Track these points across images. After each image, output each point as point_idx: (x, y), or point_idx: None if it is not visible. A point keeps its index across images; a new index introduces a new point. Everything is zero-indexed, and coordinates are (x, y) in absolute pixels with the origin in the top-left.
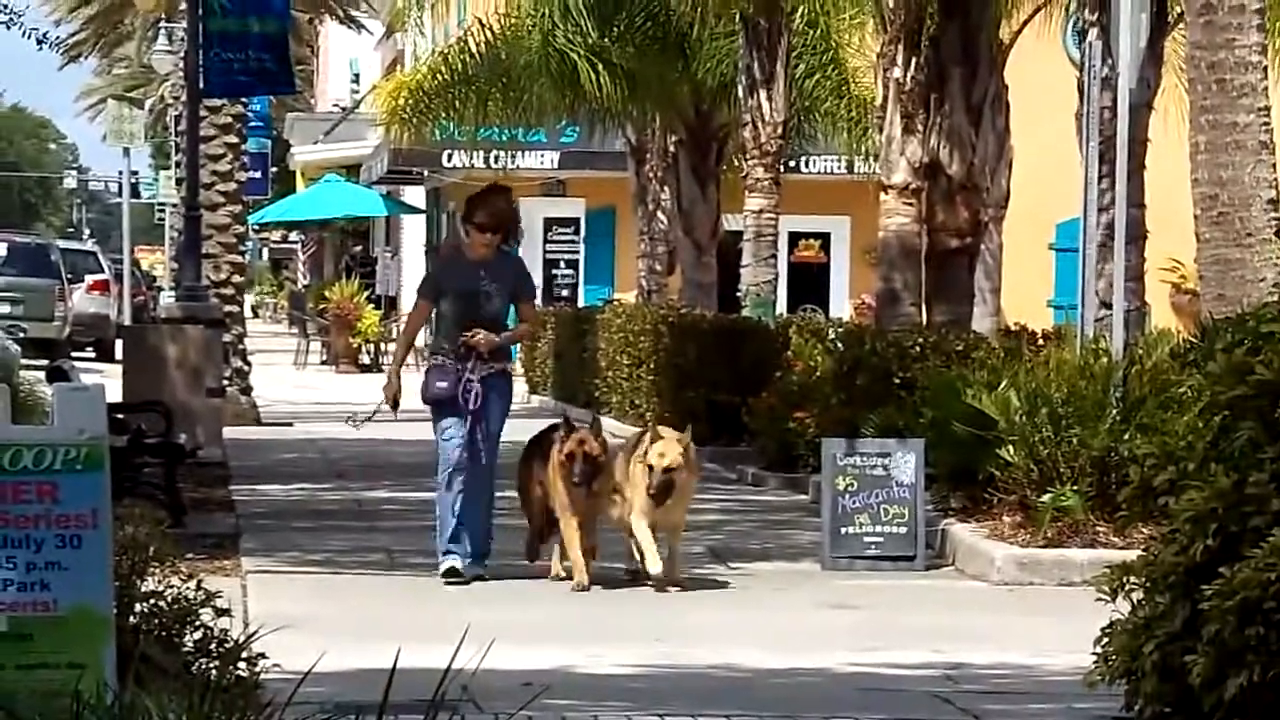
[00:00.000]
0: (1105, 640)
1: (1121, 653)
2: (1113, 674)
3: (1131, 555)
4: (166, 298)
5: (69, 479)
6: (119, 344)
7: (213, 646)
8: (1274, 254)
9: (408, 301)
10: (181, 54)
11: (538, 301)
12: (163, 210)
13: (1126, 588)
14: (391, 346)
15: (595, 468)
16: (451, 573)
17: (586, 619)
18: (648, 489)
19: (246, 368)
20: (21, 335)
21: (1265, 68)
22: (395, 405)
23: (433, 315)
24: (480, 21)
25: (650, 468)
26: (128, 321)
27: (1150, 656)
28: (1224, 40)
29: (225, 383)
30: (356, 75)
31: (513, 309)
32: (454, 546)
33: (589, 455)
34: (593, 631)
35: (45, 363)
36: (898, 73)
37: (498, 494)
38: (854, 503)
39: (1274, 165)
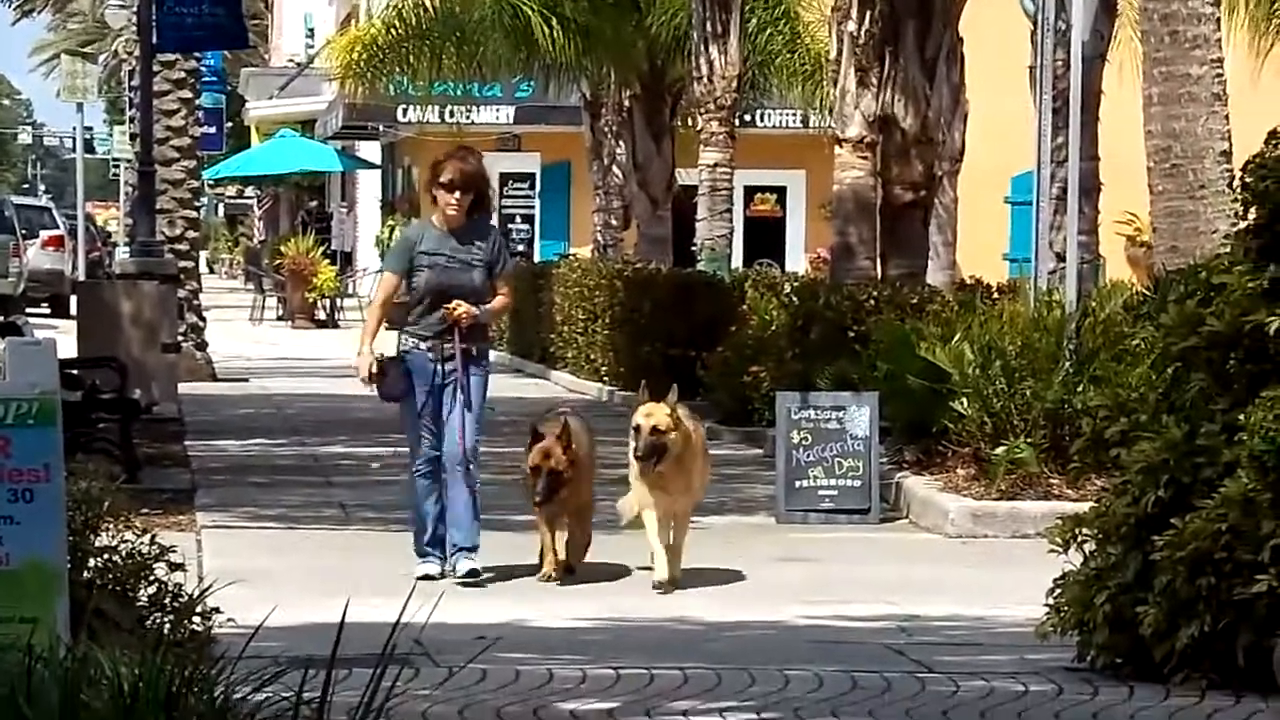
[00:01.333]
0: (1057, 592)
1: (1073, 604)
2: (1065, 625)
3: (1084, 507)
4: (121, 253)
5: (21, 433)
6: (74, 300)
7: (167, 601)
8: (1227, 206)
9: (364, 257)
10: (135, 9)
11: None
12: (117, 166)
13: (1079, 539)
14: (348, 302)
15: (558, 483)
16: (426, 579)
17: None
18: (634, 452)
19: (202, 323)
20: None
21: (1218, 19)
22: (374, 379)
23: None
24: None
25: (637, 428)
26: (82, 277)
27: (1102, 608)
28: None
29: (180, 338)
30: (311, 30)
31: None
32: (433, 550)
33: (553, 471)
34: (545, 586)
35: None
36: (851, 26)
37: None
38: (808, 456)
39: (1227, 117)
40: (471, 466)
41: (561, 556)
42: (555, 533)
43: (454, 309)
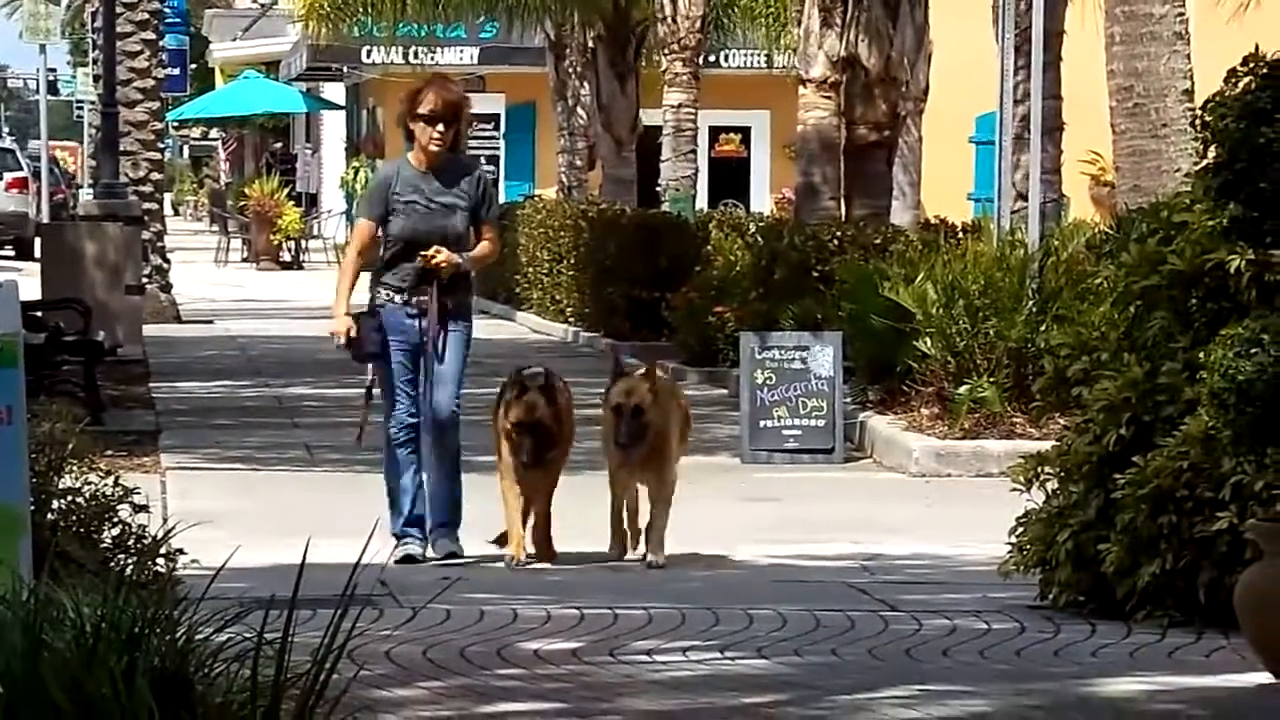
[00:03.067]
0: (1020, 530)
1: (1036, 542)
2: (1027, 563)
3: (1046, 446)
4: (85, 195)
5: None
6: (37, 242)
7: (130, 542)
8: (1189, 145)
9: (329, 199)
10: None
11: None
12: (81, 107)
13: (1041, 478)
14: (313, 244)
15: (548, 440)
16: (408, 560)
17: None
18: (615, 438)
19: (166, 265)
20: None
21: None
22: (351, 343)
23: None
24: None
25: (617, 408)
26: (46, 219)
27: (1064, 545)
28: None
29: (145, 280)
30: None
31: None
32: (412, 530)
33: (541, 425)
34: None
35: None
36: None
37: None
38: (772, 396)
39: (1189, 56)
40: (450, 432)
41: (519, 538)
42: (529, 507)
43: (432, 256)
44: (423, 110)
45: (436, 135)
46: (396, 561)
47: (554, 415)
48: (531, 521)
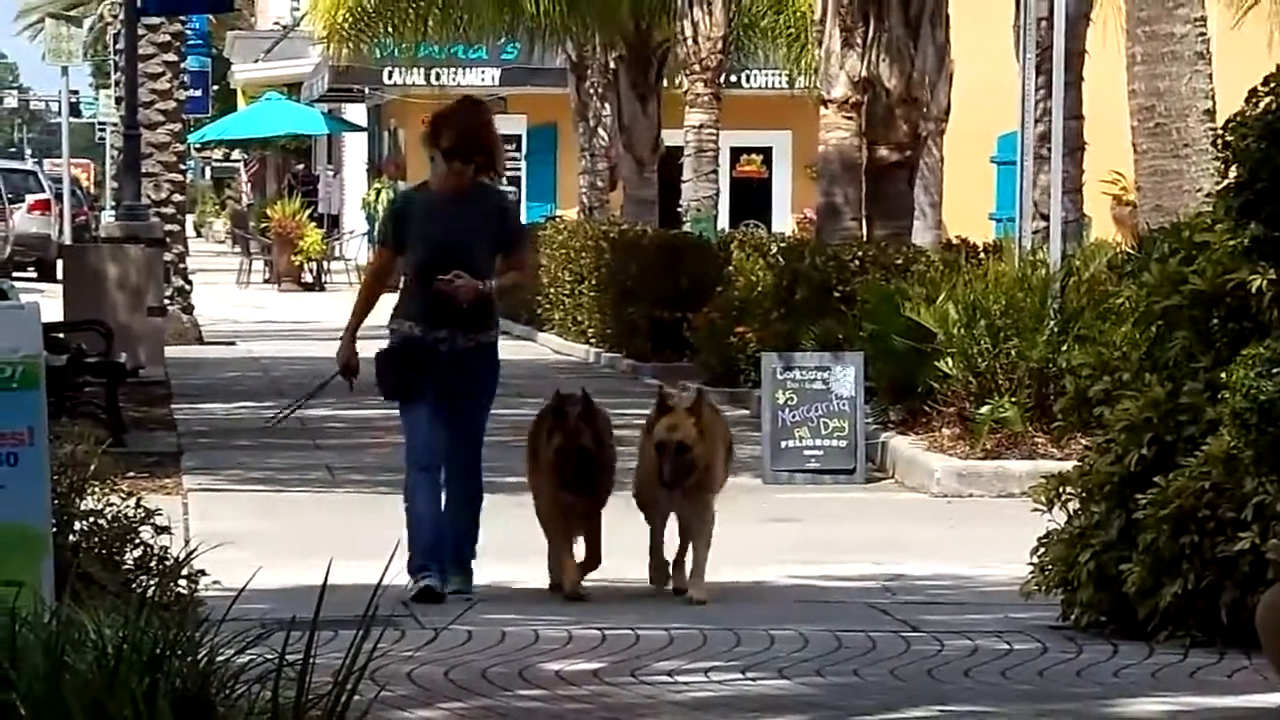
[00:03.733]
0: (1041, 550)
1: (1058, 562)
2: (1049, 583)
3: (1068, 466)
4: (107, 217)
5: (4, 397)
6: (60, 264)
7: (152, 564)
8: (1211, 165)
9: (350, 220)
10: None
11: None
12: (103, 129)
13: (1063, 498)
14: (334, 265)
15: (595, 466)
16: (426, 595)
17: (528, 537)
18: (659, 476)
19: (188, 286)
20: None
21: None
22: (347, 373)
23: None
24: None
25: (661, 446)
26: (68, 241)
27: (1086, 566)
28: None
29: (167, 302)
30: None
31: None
32: (429, 563)
33: (586, 452)
34: (532, 548)
35: None
36: None
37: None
38: (794, 416)
39: (1210, 75)
40: (471, 480)
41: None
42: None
43: (449, 281)
44: (442, 143)
45: (455, 171)
46: (413, 598)
47: (596, 440)
48: (583, 555)
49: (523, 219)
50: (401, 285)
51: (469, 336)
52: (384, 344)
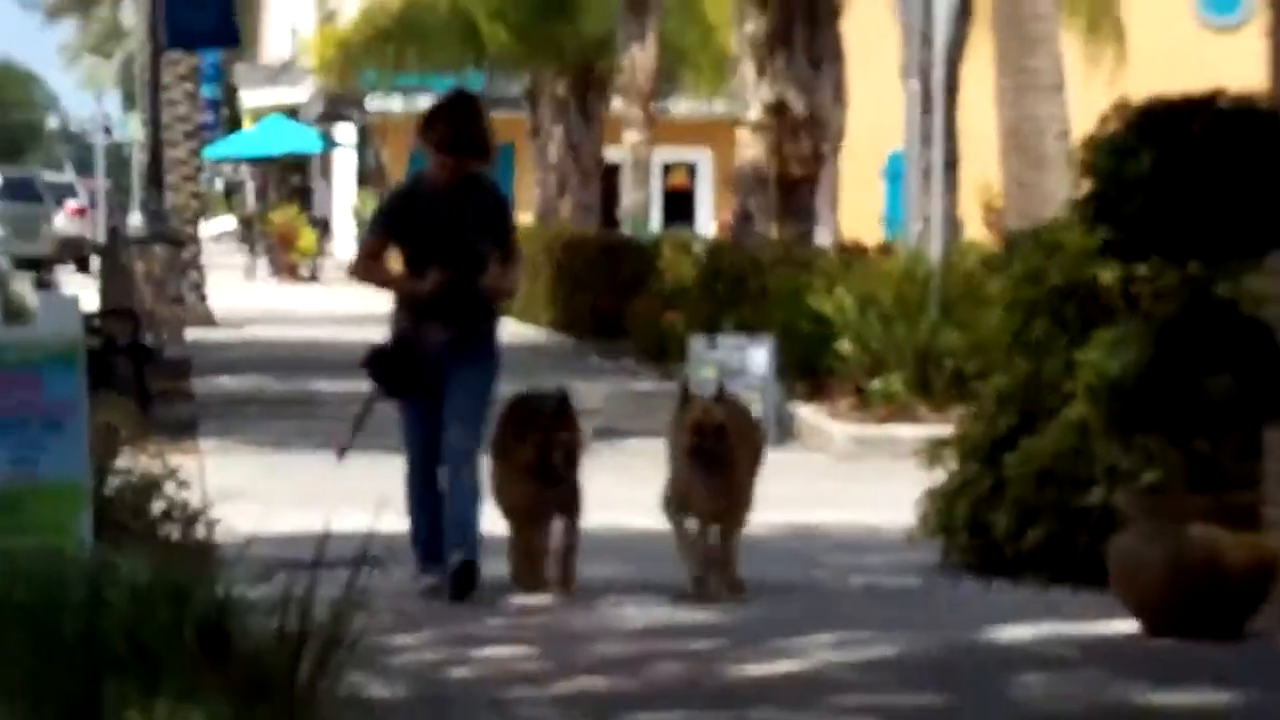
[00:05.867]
0: (925, 503)
1: (939, 513)
2: (931, 531)
3: (947, 431)
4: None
5: (51, 373)
6: (95, 260)
7: (175, 514)
8: (1065, 178)
9: (340, 223)
10: (146, 13)
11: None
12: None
13: (943, 459)
14: (327, 262)
15: (571, 461)
16: (433, 592)
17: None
18: (689, 451)
19: (203, 280)
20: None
21: (1058, 19)
22: (432, 288)
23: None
24: None
25: (698, 428)
26: (103, 240)
27: (962, 515)
28: None
29: (185, 292)
30: (295, 31)
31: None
32: (432, 564)
33: (567, 446)
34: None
35: (32, 275)
36: (750, 27)
37: None
38: (715, 390)
39: (1064, 103)
40: (465, 467)
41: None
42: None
43: (445, 278)
44: (433, 138)
45: (447, 165)
46: (421, 594)
47: (574, 434)
48: (557, 547)
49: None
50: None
51: (467, 334)
52: (384, 340)
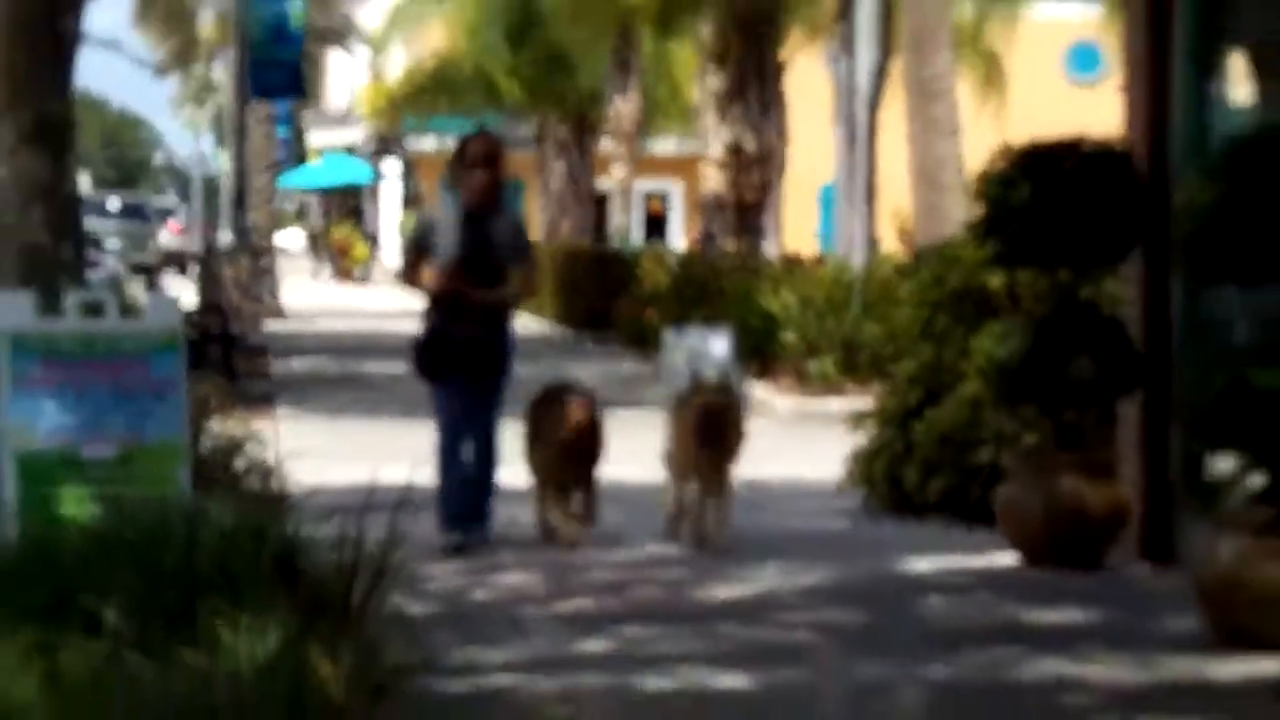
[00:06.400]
0: (850, 461)
1: (861, 469)
2: (855, 482)
3: (868, 404)
4: (225, 235)
5: (158, 357)
6: (192, 267)
7: (255, 469)
8: (962, 203)
9: (387, 238)
10: (234, 72)
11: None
12: (221, 177)
13: (865, 426)
14: (376, 268)
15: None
16: (455, 548)
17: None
18: (694, 433)
19: (277, 282)
20: (129, 261)
21: (955, 79)
22: (450, 281)
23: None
24: (433, 51)
25: (702, 410)
26: (199, 251)
27: (880, 470)
28: (928, 61)
29: (264, 292)
30: (351, 85)
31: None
32: (455, 523)
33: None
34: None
35: (143, 279)
36: (712, 82)
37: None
38: (684, 370)
39: (960, 144)
40: (490, 449)
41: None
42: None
43: (471, 289)
44: (468, 160)
45: (477, 181)
46: (444, 550)
47: (592, 424)
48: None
49: (528, 237)
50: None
51: (487, 331)
52: (419, 334)
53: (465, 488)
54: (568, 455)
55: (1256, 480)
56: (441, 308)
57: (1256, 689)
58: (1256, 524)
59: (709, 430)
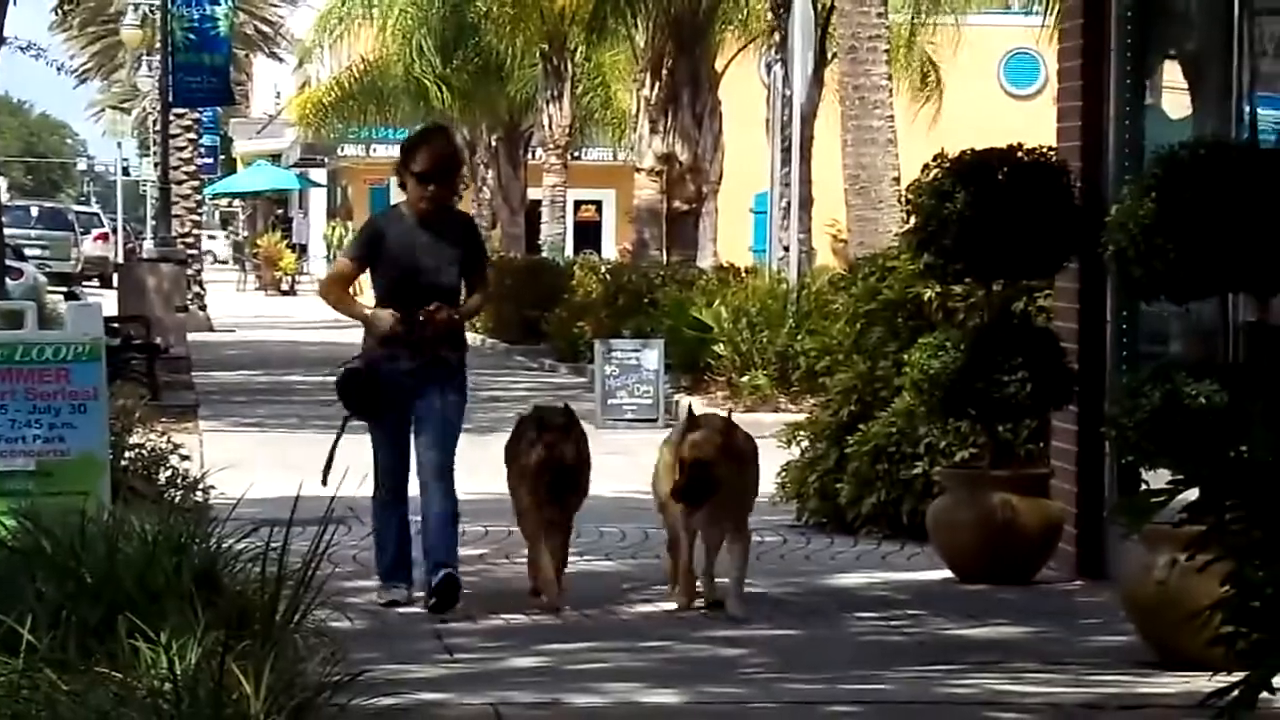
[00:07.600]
0: (784, 474)
1: (794, 482)
2: (788, 496)
3: (801, 417)
4: (148, 244)
5: (78, 366)
6: (115, 276)
7: (178, 481)
8: (897, 215)
9: (314, 247)
10: (157, 77)
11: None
12: (144, 185)
13: (798, 439)
14: (303, 278)
15: (576, 479)
16: (393, 605)
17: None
18: (673, 489)
19: (203, 292)
20: (47, 270)
21: (890, 89)
22: (387, 332)
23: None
24: (362, 57)
25: (681, 462)
26: (121, 260)
27: (813, 484)
28: (863, 70)
29: (188, 302)
30: (278, 92)
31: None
32: (396, 574)
33: (564, 463)
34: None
35: (63, 289)
36: (646, 91)
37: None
38: (616, 383)
39: (896, 154)
40: (446, 484)
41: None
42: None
43: (436, 310)
44: (415, 168)
45: (428, 194)
46: (382, 605)
47: (576, 452)
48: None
49: (484, 243)
50: (375, 308)
51: (440, 358)
52: (352, 363)
53: (404, 545)
54: (550, 494)
55: (1188, 495)
56: (380, 337)
57: (1188, 705)
58: (1187, 540)
59: (689, 487)
